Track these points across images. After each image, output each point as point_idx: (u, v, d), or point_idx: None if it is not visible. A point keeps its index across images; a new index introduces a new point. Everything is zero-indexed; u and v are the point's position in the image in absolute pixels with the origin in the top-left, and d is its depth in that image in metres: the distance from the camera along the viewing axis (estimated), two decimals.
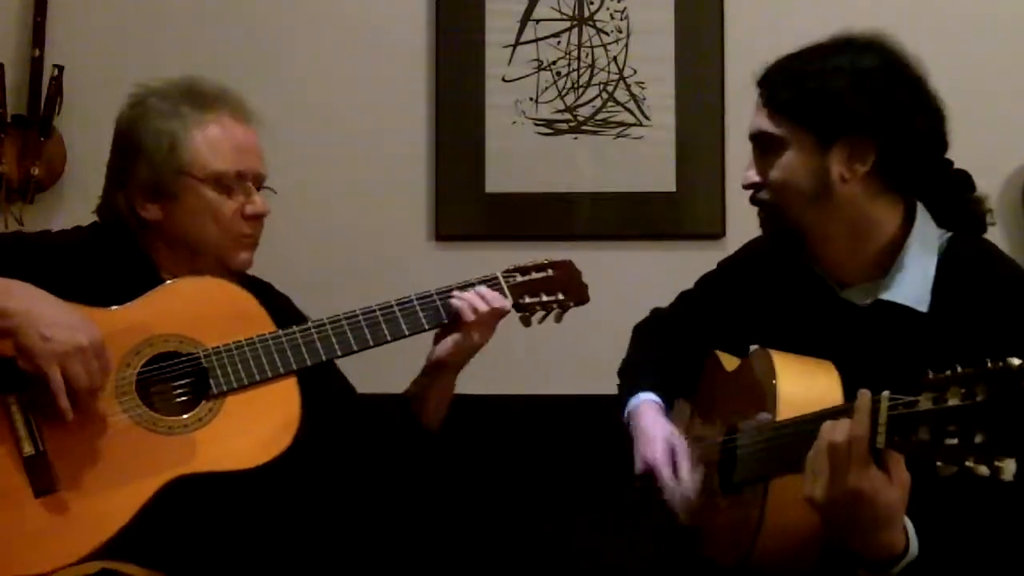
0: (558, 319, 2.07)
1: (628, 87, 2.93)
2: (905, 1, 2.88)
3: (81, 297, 1.80)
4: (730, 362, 1.93)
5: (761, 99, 1.77)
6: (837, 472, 1.43)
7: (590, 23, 2.94)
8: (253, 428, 1.82)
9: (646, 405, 1.96)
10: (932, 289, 1.71)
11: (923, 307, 1.70)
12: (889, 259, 1.74)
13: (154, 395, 1.83)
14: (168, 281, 1.91)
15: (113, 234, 1.97)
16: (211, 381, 1.83)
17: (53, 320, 1.72)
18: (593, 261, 2.85)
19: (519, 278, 2.04)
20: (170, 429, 1.79)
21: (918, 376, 1.34)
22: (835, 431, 1.44)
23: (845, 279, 1.80)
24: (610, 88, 2.93)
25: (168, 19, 2.95)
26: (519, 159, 2.93)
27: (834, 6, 2.83)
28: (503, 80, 2.93)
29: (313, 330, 1.91)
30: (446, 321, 1.97)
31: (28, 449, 1.73)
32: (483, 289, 1.98)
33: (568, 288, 2.07)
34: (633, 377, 2.05)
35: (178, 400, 1.84)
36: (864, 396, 1.42)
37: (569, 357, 2.82)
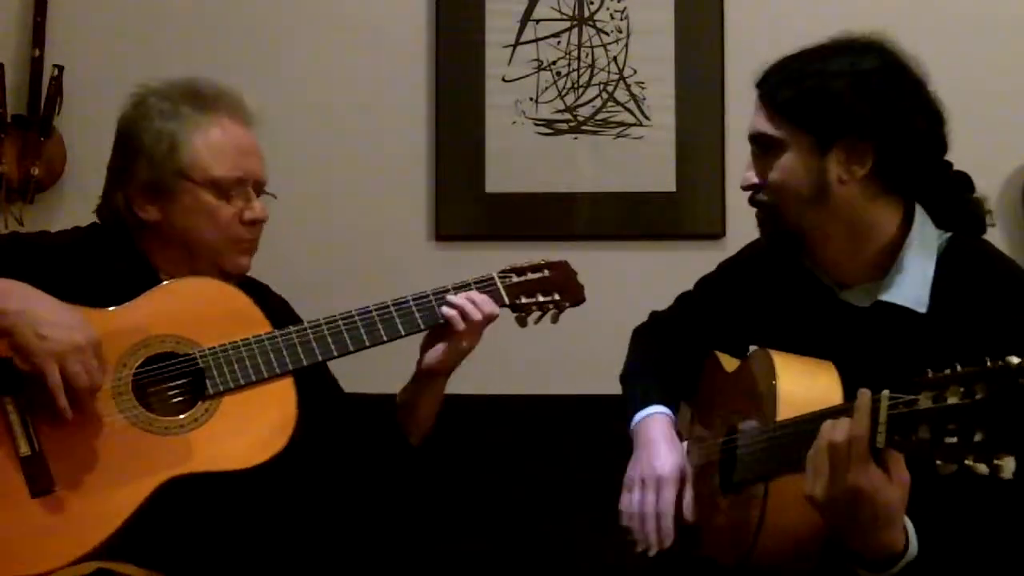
0: (554, 320, 2.07)
1: (628, 87, 2.93)
2: (905, 1, 2.88)
3: (79, 297, 1.80)
4: (730, 363, 1.93)
5: (760, 100, 1.77)
6: (837, 471, 1.43)
7: (590, 23, 2.94)
8: (249, 428, 1.82)
9: (658, 419, 1.92)
10: (931, 290, 1.71)
11: (922, 308, 1.70)
12: (888, 260, 1.74)
13: (151, 395, 1.83)
14: (165, 282, 1.91)
15: (111, 234, 1.97)
16: (207, 381, 1.83)
17: (50, 319, 1.72)
18: (593, 261, 2.85)
19: (515, 279, 2.04)
20: (166, 429, 1.80)
21: (918, 376, 1.34)
22: (835, 430, 1.44)
23: (844, 280, 1.80)
24: (610, 88, 2.93)
25: (168, 19, 2.95)
26: (519, 159, 2.93)
27: (834, 6, 2.83)
28: (503, 80, 2.93)
29: (309, 330, 1.91)
30: (442, 321, 1.97)
31: (25, 449, 1.73)
32: (474, 295, 1.97)
33: (564, 289, 2.07)
34: (639, 385, 2.03)
35: (175, 400, 1.84)
36: (864, 395, 1.43)
37: (569, 357, 2.82)
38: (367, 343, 1.93)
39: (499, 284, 2.02)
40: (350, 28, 2.96)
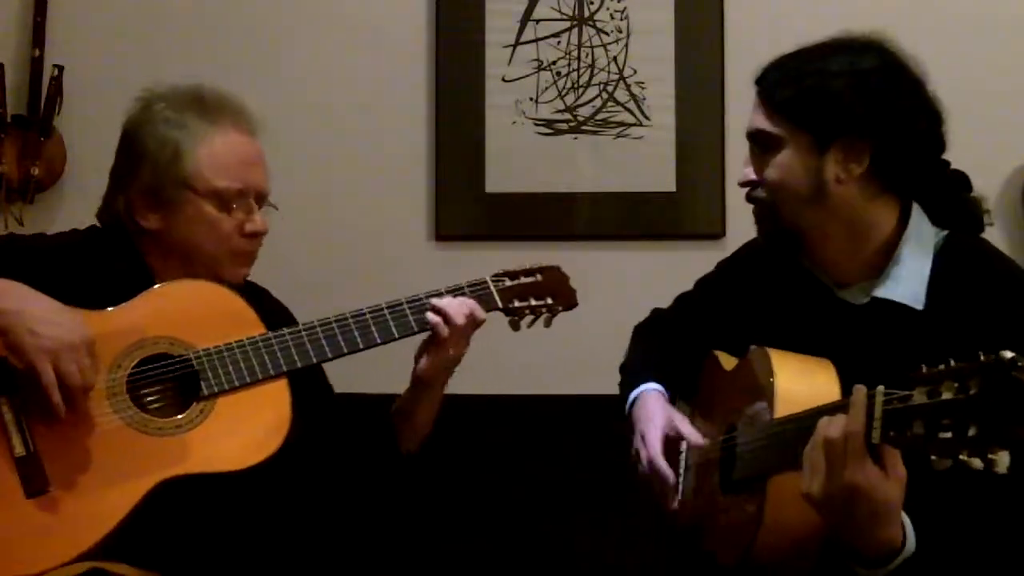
0: (547, 324, 2.08)
1: (628, 87, 2.93)
2: (905, 1, 2.88)
3: (75, 300, 1.80)
4: (729, 362, 1.93)
5: (759, 98, 1.77)
6: (833, 467, 1.43)
7: (590, 23, 2.94)
8: (244, 430, 1.82)
9: (651, 395, 1.96)
10: (928, 287, 1.71)
11: (919, 305, 1.71)
12: (885, 260, 1.74)
13: (145, 397, 1.83)
14: (159, 283, 1.91)
15: (110, 238, 1.97)
16: (202, 383, 1.83)
17: (44, 318, 1.72)
18: (593, 261, 2.88)
19: (508, 282, 2.05)
20: (161, 430, 1.80)
21: (913, 372, 1.34)
22: (831, 426, 1.45)
23: (842, 279, 1.80)
24: (610, 88, 2.93)
25: (168, 19, 2.95)
26: (519, 159, 2.93)
27: (834, 6, 2.83)
28: (503, 80, 2.93)
29: (303, 333, 1.91)
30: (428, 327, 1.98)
31: (19, 450, 1.73)
32: (457, 300, 1.97)
33: (557, 293, 2.08)
34: (634, 374, 2.05)
35: (169, 402, 1.85)
36: (859, 391, 1.43)
37: (569, 357, 2.82)
38: (361, 345, 1.93)
39: (492, 288, 2.03)
40: (350, 28, 2.96)
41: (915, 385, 1.34)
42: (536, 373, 2.84)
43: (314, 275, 2.84)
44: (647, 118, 2.92)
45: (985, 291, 1.68)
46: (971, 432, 1.25)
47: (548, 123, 2.93)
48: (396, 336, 1.96)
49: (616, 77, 2.93)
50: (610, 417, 2.08)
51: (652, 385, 1.97)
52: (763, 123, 1.75)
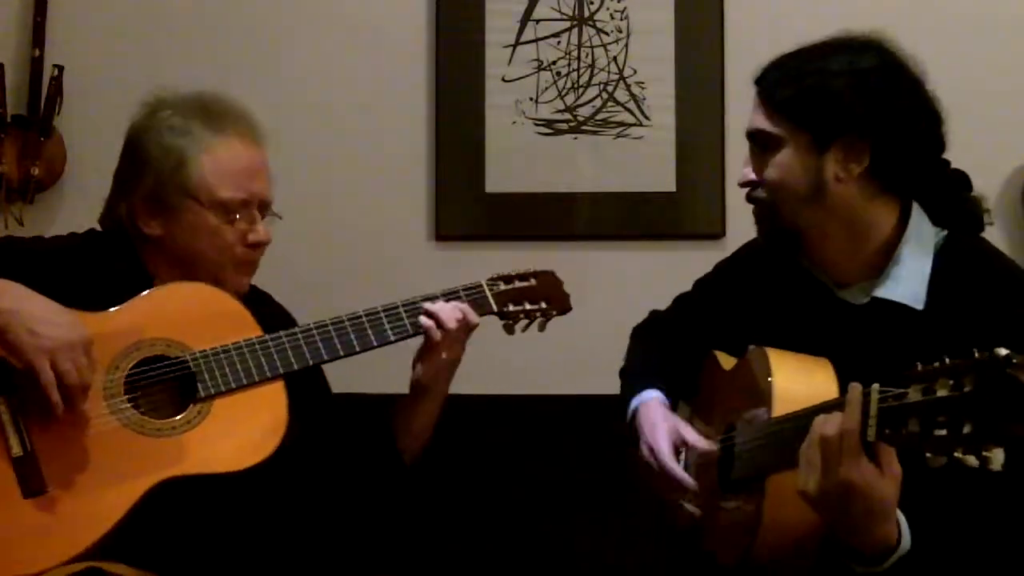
0: (541, 328, 2.09)
1: (628, 87, 2.93)
2: (905, 1, 2.88)
3: (73, 302, 1.80)
4: (728, 362, 1.93)
5: (759, 97, 1.77)
6: (829, 465, 1.44)
7: (590, 23, 2.94)
8: (241, 431, 1.83)
9: (651, 403, 1.95)
10: (928, 286, 1.71)
11: (919, 304, 1.71)
12: (885, 260, 1.75)
13: (142, 398, 1.83)
14: (157, 286, 1.92)
15: (111, 242, 1.97)
16: (199, 385, 1.84)
17: (42, 318, 1.73)
18: (593, 261, 2.88)
19: (503, 286, 2.06)
20: (158, 431, 1.80)
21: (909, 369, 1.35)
22: (826, 424, 1.45)
23: (841, 279, 1.80)
24: (610, 88, 2.93)
25: (168, 19, 2.95)
26: (519, 159, 2.93)
27: (834, 6, 2.83)
28: (503, 80, 2.93)
29: (300, 335, 1.92)
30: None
31: (17, 450, 1.74)
32: (450, 304, 1.97)
33: (551, 297, 2.09)
34: (635, 377, 2.05)
35: (167, 403, 1.85)
36: (855, 389, 1.43)
37: (569, 357, 2.82)
38: (357, 348, 1.94)
39: (487, 292, 2.03)
40: (350, 28, 2.96)
41: (910, 383, 1.34)
42: (536, 373, 2.84)
43: (314, 275, 2.84)
44: (647, 118, 2.92)
45: (985, 291, 1.68)
46: (966, 429, 1.25)
47: (548, 123, 2.93)
48: (392, 339, 1.96)
49: (616, 77, 2.93)
50: (610, 417, 2.08)
51: (653, 393, 1.97)
52: (763, 123, 1.75)
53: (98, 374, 1.78)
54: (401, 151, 2.94)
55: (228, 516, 1.88)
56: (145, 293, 1.89)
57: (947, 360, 1.30)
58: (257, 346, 1.88)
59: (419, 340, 1.99)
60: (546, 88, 2.93)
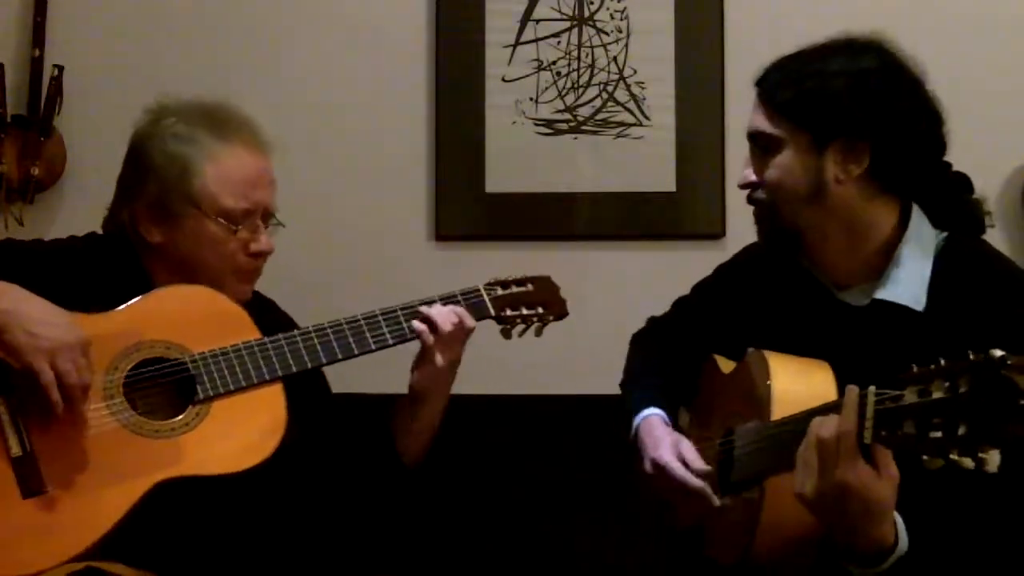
0: (538, 333, 2.10)
1: (628, 87, 2.93)
2: (905, 1, 2.88)
3: (72, 305, 1.80)
4: (727, 365, 1.93)
5: (759, 99, 1.78)
6: (826, 467, 1.44)
7: (590, 23, 2.94)
8: (239, 433, 1.83)
9: (652, 419, 1.96)
10: (928, 288, 1.71)
11: (919, 306, 1.71)
12: (885, 261, 1.74)
13: (141, 399, 1.84)
14: (156, 288, 1.92)
15: (112, 246, 1.97)
16: (198, 386, 1.84)
17: (41, 319, 1.73)
18: (593, 261, 2.88)
19: (500, 291, 2.06)
20: (157, 433, 1.81)
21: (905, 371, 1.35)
22: (823, 427, 1.45)
23: (841, 281, 1.80)
24: (610, 88, 2.93)
25: (168, 19, 2.95)
26: (519, 159, 2.92)
27: (834, 6, 2.83)
28: (503, 80, 2.93)
29: (299, 337, 1.92)
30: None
31: (16, 450, 1.74)
32: (446, 308, 1.97)
33: (548, 302, 2.10)
34: (636, 391, 2.04)
35: (166, 405, 1.85)
36: (851, 391, 1.43)
37: (569, 357, 2.82)
38: (355, 351, 1.95)
39: (485, 296, 2.03)
40: (350, 28, 2.96)
41: (906, 385, 1.34)
42: (536, 373, 2.84)
43: (314, 275, 2.84)
44: (647, 118, 2.92)
45: (986, 293, 1.68)
46: (961, 431, 1.25)
47: (548, 123, 2.93)
48: (390, 342, 1.97)
49: (616, 77, 2.93)
50: (610, 417, 2.08)
51: (654, 411, 1.98)
52: (763, 124, 1.75)
53: (97, 375, 1.79)
54: (401, 151, 2.94)
55: (227, 517, 1.88)
56: (145, 295, 1.89)
57: (942, 362, 1.30)
58: (256, 349, 1.88)
59: (418, 343, 1.99)
60: (546, 88, 2.93)
